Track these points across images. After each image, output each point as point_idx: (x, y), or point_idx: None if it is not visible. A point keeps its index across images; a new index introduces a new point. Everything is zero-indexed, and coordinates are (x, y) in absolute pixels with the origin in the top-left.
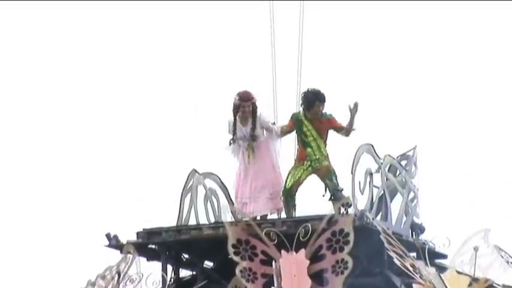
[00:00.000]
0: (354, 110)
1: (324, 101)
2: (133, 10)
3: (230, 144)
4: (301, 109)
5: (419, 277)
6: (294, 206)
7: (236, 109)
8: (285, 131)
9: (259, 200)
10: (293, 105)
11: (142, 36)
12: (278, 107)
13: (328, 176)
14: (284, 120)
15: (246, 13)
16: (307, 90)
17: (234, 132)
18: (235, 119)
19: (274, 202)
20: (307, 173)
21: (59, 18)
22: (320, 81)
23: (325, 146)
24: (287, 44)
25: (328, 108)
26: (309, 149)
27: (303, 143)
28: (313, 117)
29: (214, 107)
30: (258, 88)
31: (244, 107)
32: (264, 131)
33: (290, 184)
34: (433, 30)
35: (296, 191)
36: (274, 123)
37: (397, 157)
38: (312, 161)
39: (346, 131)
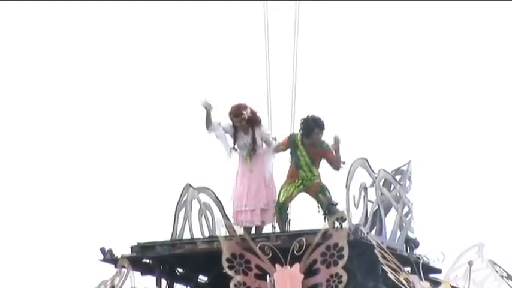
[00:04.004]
0: (336, 145)
1: (323, 128)
2: (127, 16)
3: (230, 152)
4: (299, 133)
5: None
6: (289, 220)
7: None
8: (280, 149)
9: (254, 210)
10: (287, 113)
11: (132, 42)
12: (273, 113)
13: (321, 191)
14: (278, 129)
15: (240, 18)
16: (307, 116)
17: (235, 142)
18: (235, 130)
19: (267, 214)
20: (299, 190)
21: (59, 18)
22: (314, 89)
23: (317, 169)
24: (282, 50)
25: (321, 113)
26: (300, 171)
27: (295, 164)
28: (310, 143)
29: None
30: (252, 95)
31: (235, 122)
32: (263, 143)
33: (283, 199)
34: (429, 40)
35: (288, 205)
36: (275, 139)
37: (392, 172)
38: (303, 180)
39: (334, 165)
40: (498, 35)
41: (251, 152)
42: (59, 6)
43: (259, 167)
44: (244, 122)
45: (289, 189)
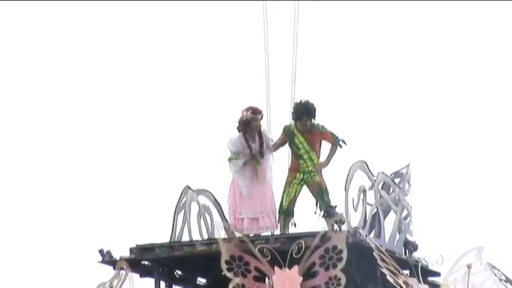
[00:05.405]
0: (333, 151)
1: (312, 115)
2: (125, 17)
3: (244, 164)
4: (293, 121)
5: None
6: (294, 224)
7: (246, 124)
8: (278, 145)
9: (268, 216)
10: (287, 113)
11: (132, 43)
12: (272, 115)
13: (319, 193)
14: (278, 130)
15: (239, 18)
16: (299, 101)
17: (251, 149)
18: (245, 136)
19: (271, 218)
20: (300, 188)
21: (59, 18)
22: (314, 90)
23: (318, 157)
24: (281, 51)
25: (320, 116)
26: (301, 161)
27: (295, 154)
28: (303, 129)
29: (207, 121)
30: (251, 96)
31: (257, 120)
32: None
33: (287, 204)
34: (429, 41)
35: (293, 207)
36: (272, 140)
37: (391, 174)
38: (304, 174)
39: (320, 164)
40: (498, 35)
41: (260, 157)
42: (59, 6)
43: (264, 173)
44: (260, 122)
45: (291, 191)
